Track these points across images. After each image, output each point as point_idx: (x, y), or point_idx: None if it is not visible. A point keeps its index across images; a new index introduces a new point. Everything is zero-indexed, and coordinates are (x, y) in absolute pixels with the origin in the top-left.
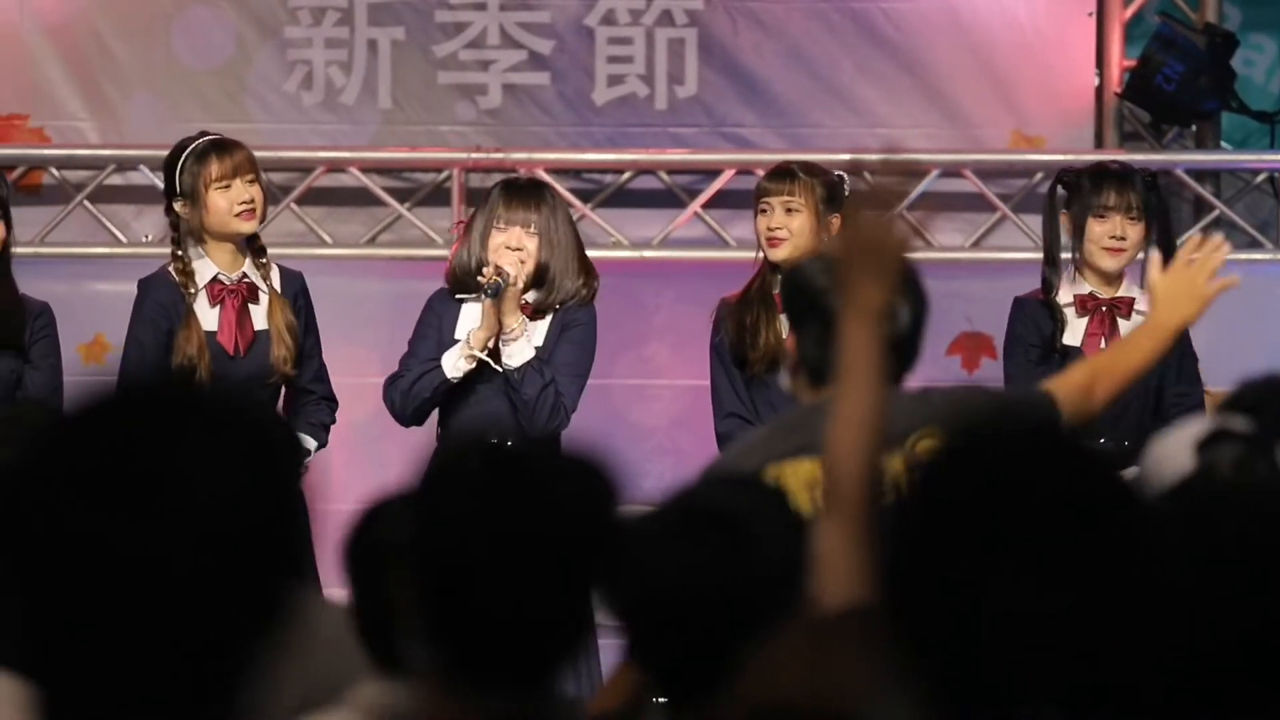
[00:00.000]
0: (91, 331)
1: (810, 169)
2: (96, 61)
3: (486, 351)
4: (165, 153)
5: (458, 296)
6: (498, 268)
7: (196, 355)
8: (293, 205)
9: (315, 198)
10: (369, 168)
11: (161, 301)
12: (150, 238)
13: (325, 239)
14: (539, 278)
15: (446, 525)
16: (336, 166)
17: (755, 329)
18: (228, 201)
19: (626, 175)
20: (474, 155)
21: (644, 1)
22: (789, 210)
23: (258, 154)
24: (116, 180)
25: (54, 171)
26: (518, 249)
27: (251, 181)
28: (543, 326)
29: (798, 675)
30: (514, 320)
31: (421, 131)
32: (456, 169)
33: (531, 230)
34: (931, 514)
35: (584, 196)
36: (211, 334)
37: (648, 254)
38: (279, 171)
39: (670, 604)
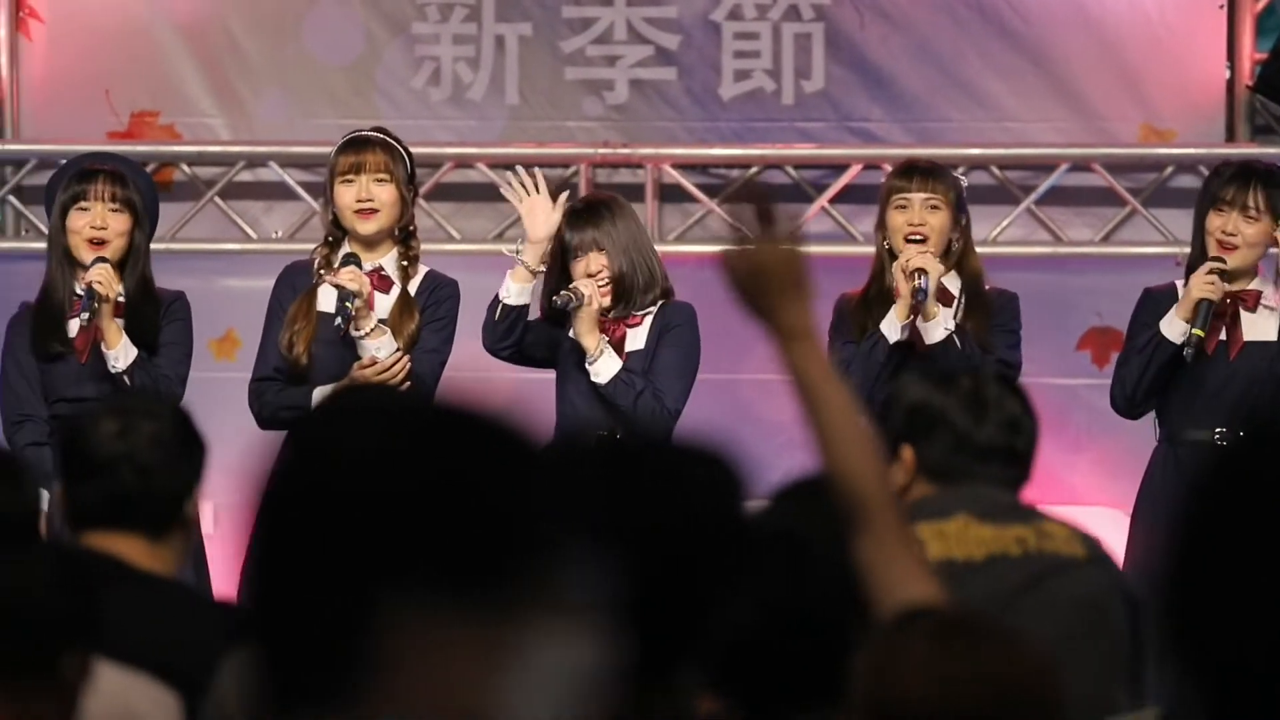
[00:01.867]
0: (223, 327)
1: (938, 167)
2: (227, 58)
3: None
4: (294, 149)
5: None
6: (573, 287)
7: (300, 330)
8: (421, 201)
9: (443, 193)
10: (496, 163)
11: (294, 285)
12: (280, 234)
13: (453, 234)
14: (616, 291)
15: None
16: (464, 162)
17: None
18: (349, 197)
19: (753, 170)
20: (601, 151)
21: None
22: (932, 207)
23: None
24: (246, 177)
25: (185, 168)
26: (597, 273)
27: (381, 181)
28: (642, 331)
29: (919, 673)
30: (593, 341)
31: (548, 127)
32: (583, 164)
33: (599, 249)
34: (1220, 509)
35: (710, 192)
36: (328, 315)
37: None
38: None
39: (750, 624)
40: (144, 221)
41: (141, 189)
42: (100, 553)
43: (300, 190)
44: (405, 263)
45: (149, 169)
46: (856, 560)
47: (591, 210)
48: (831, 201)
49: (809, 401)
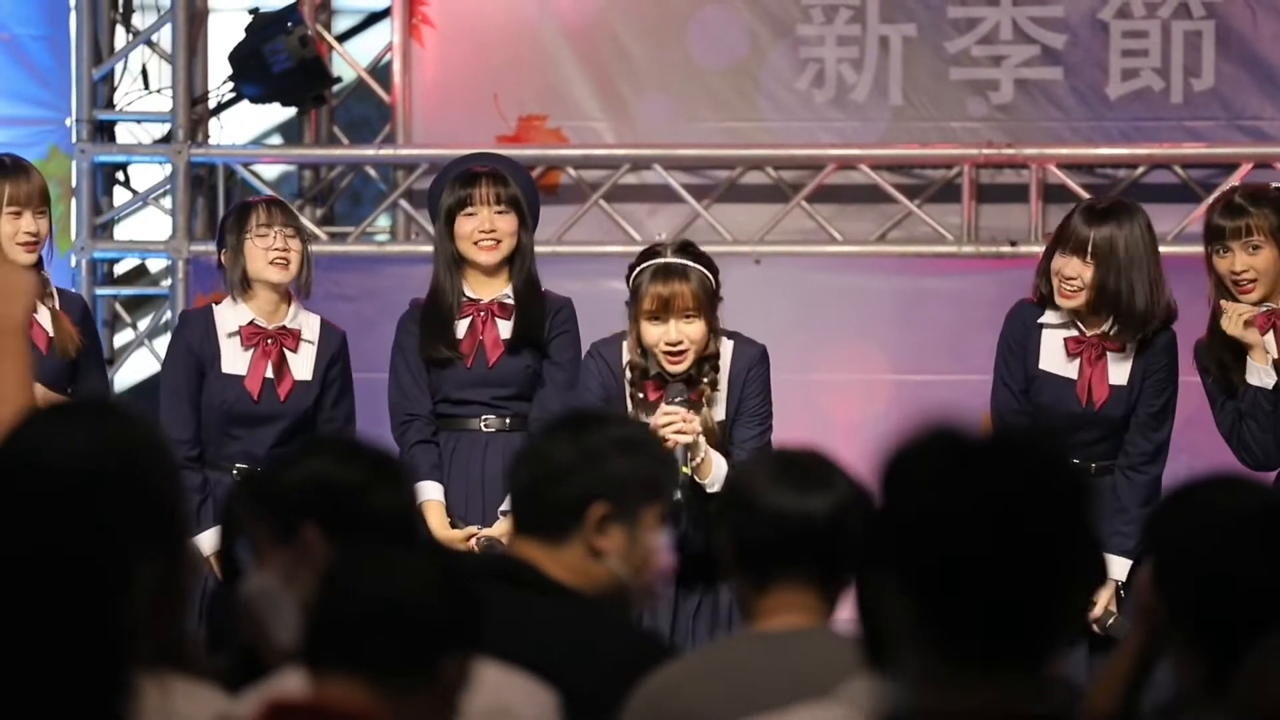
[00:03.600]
0: (606, 329)
1: (1255, 196)
2: (613, 62)
3: None
4: (678, 152)
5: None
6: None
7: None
8: (803, 203)
9: (826, 195)
10: (879, 164)
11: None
12: (663, 235)
13: (835, 236)
14: (1096, 302)
15: (912, 520)
16: (847, 164)
17: (1234, 368)
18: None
19: (1140, 170)
20: (985, 151)
21: None
22: (1252, 249)
23: (768, 151)
24: (630, 180)
25: (570, 171)
26: (1073, 278)
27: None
28: (1125, 366)
29: None
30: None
31: (932, 128)
32: (967, 165)
33: (1087, 260)
34: None
35: (1096, 192)
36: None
37: (1163, 250)
38: (790, 169)
39: (1227, 595)
40: (528, 220)
41: (523, 186)
42: (510, 555)
43: (684, 193)
44: None
45: (535, 172)
46: None
47: (1105, 214)
48: None
49: None
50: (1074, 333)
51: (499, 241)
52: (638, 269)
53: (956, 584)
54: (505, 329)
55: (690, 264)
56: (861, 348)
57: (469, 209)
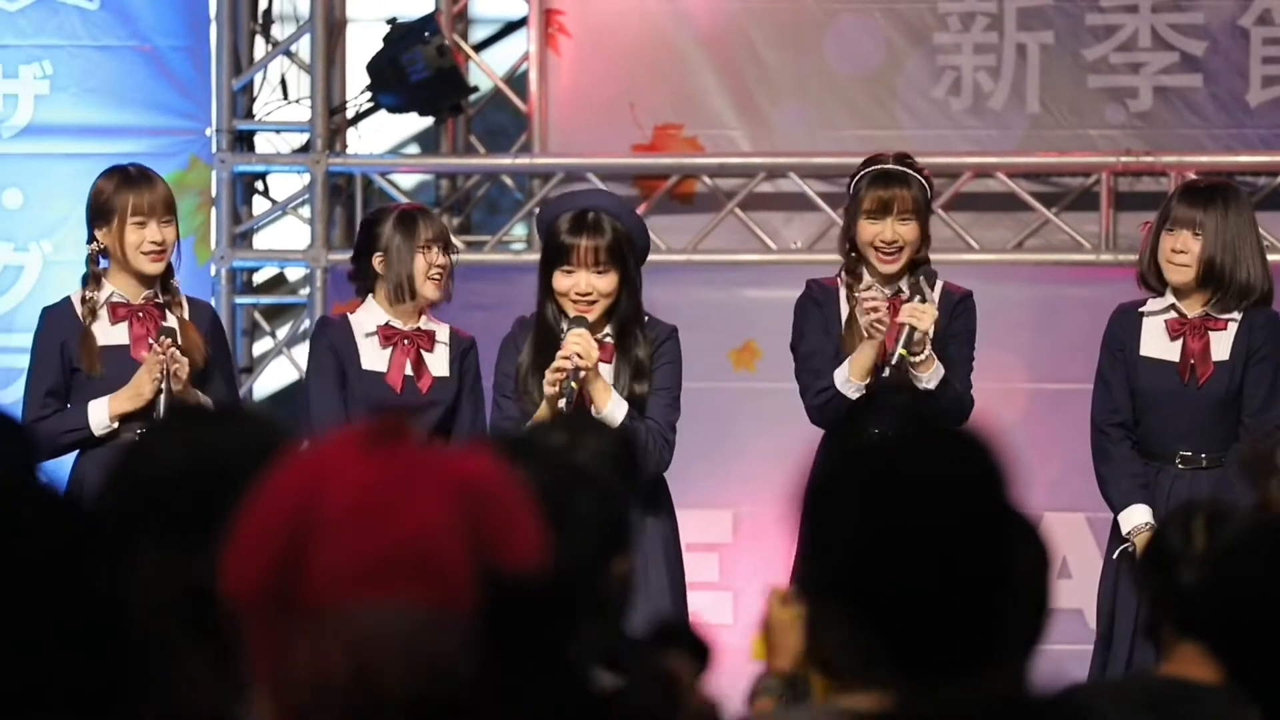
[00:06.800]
0: (742, 338)
1: None
2: (749, 70)
3: None
4: (814, 160)
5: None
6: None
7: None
8: (939, 211)
9: (962, 203)
10: (1016, 172)
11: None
12: (799, 244)
13: (972, 244)
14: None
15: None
16: (984, 171)
17: None
18: (871, 234)
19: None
20: (1123, 159)
21: None
22: None
23: None
24: (766, 188)
25: (706, 180)
26: (1182, 251)
27: (905, 220)
28: (1227, 338)
29: None
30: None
31: (1069, 135)
32: (1105, 173)
33: (1196, 232)
34: None
35: None
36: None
37: None
38: None
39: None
40: (630, 270)
41: (631, 228)
42: None
43: (820, 201)
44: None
45: (671, 180)
46: None
47: (1207, 192)
48: None
49: None
50: (1174, 315)
51: (594, 302)
52: (859, 174)
53: (896, 607)
54: (606, 372)
55: (910, 171)
56: (998, 356)
57: (567, 266)
